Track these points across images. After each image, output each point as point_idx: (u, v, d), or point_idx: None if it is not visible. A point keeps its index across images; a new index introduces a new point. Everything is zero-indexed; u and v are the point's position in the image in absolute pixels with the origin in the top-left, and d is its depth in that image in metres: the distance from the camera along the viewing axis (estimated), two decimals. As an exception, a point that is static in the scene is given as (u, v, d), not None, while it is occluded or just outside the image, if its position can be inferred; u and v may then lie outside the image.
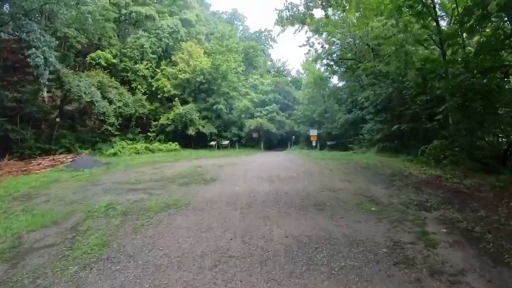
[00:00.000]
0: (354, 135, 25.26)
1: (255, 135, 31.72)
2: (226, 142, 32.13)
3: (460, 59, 11.91)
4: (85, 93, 24.55)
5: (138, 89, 31.62)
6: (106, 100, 26.97)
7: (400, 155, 17.01)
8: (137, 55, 32.16)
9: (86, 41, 29.55)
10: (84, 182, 11.82)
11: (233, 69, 34.87)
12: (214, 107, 31.48)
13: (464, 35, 12.45)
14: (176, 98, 31.74)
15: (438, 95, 15.88)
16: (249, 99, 33.15)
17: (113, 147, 26.80)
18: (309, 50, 26.03)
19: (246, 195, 7.94)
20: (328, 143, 28.96)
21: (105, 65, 29.33)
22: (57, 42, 22.26)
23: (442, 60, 13.37)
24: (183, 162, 18.37)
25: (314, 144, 29.11)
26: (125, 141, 28.87)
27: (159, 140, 31.62)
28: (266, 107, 33.09)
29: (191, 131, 30.67)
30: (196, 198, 7.82)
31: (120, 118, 27.75)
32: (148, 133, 31.97)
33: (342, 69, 29.65)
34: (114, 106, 27.42)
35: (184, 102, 33.21)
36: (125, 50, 32.12)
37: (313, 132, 28.97)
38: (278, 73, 50.20)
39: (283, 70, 51.87)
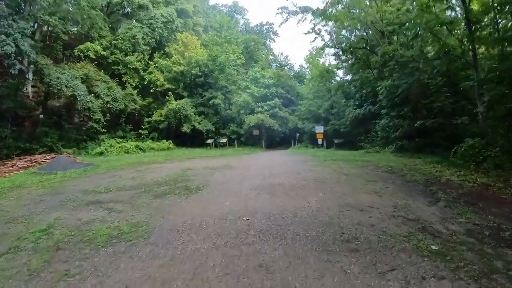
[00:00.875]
0: (364, 132, 22.96)
1: (255, 132, 29.41)
2: (224, 140, 29.85)
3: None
4: (66, 86, 22.44)
5: (129, 83, 29.27)
6: (92, 94, 25.00)
7: (422, 156, 14.79)
8: (129, 47, 30.00)
9: (75, 32, 27.32)
10: (47, 189, 9.80)
11: (232, 61, 32.47)
12: (211, 102, 29.20)
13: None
14: (170, 93, 29.43)
15: (467, 85, 13.59)
16: (249, 93, 30.83)
17: (100, 146, 24.60)
18: (315, 38, 23.46)
19: (237, 218, 5.67)
20: (336, 141, 26.64)
21: (94, 57, 27.48)
22: (31, 30, 20.02)
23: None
24: (173, 163, 16.41)
25: (320, 142, 26.80)
26: (115, 139, 26.94)
27: (152, 138, 29.68)
28: (268, 102, 30.76)
29: (185, 128, 28.46)
30: (164, 223, 5.52)
31: (108, 115, 25.82)
32: (140, 131, 29.95)
33: (349, 61, 27.20)
34: (101, 101, 25.40)
35: (179, 96, 30.98)
36: (116, 42, 29.88)
37: (319, 129, 26.65)
38: (280, 67, 47.76)
39: (285, 64, 49.40)
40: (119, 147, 24.65)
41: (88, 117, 25.38)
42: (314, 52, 64.97)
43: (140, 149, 25.36)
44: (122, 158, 20.13)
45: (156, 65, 31.45)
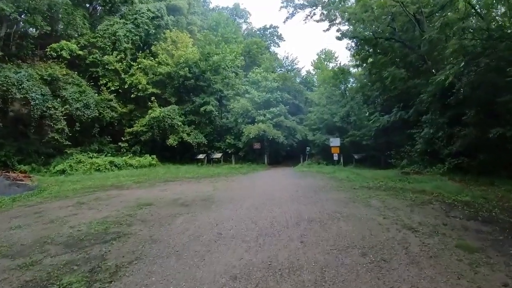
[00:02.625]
0: (395, 145, 18.32)
1: (256, 145, 24.94)
2: (218, 155, 25.52)
3: None
4: (17, 87, 18.36)
5: (105, 87, 25.48)
6: (59, 99, 21.38)
7: (497, 181, 10.25)
8: (108, 45, 26.22)
9: (49, 28, 23.60)
10: None
11: (229, 61, 28.19)
12: (203, 109, 24.88)
13: None
14: (153, 98, 25.19)
15: None
16: (248, 98, 26.41)
17: (63, 163, 20.50)
18: (329, 26, 19.05)
19: None
20: (356, 156, 22.14)
21: (69, 57, 23.63)
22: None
23: None
24: (139, 189, 12.61)
25: (336, 157, 22.19)
26: (88, 154, 22.86)
27: (134, 152, 25.67)
28: (271, 109, 26.34)
29: (171, 141, 24.25)
30: None
31: (78, 124, 22.17)
32: (120, 143, 25.83)
33: (371, 58, 22.77)
34: (69, 108, 21.57)
35: (166, 103, 26.72)
36: (95, 40, 25.97)
37: (335, 142, 22.17)
38: (286, 72, 43.52)
39: (292, 69, 45.13)
40: (90, 163, 20.76)
41: (49, 127, 21.12)
42: (323, 56, 61.78)
43: (115, 165, 21.58)
44: (84, 179, 16.33)
45: (139, 66, 27.22)
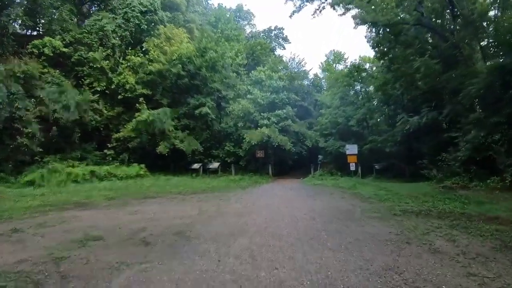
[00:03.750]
0: (428, 153, 15.37)
1: (259, 154, 22.06)
2: (215, 164, 22.62)
3: None
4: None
5: (90, 86, 22.99)
6: (33, 99, 19.24)
7: None
8: (95, 41, 23.72)
9: (31, 23, 21.57)
10: None
11: (229, 58, 25.49)
12: (198, 111, 22.05)
13: None
14: (141, 99, 22.59)
15: None
16: (250, 99, 23.55)
17: (33, 172, 17.93)
18: (345, 11, 16.27)
19: None
20: (376, 166, 19.15)
21: (52, 55, 21.61)
22: None
23: None
24: (107, 210, 10.31)
25: (353, 167, 19.26)
26: (68, 162, 20.21)
27: (122, 161, 22.92)
28: (277, 112, 23.51)
29: (162, 148, 21.55)
30: None
31: (55, 128, 20.04)
32: (106, 151, 23.16)
33: (391, 51, 19.92)
34: (45, 109, 19.35)
35: (158, 105, 24.04)
36: (81, 36, 23.56)
37: (352, 150, 19.31)
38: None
39: (298, 71, 42.26)
40: (67, 173, 18.21)
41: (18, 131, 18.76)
42: (331, 58, 59.04)
43: (97, 176, 19.20)
44: (51, 193, 14.00)
45: (129, 64, 24.63)
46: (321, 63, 59.35)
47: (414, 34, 17.11)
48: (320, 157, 21.03)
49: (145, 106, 22.97)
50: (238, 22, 57.57)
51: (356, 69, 23.31)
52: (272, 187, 16.12)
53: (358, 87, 23.82)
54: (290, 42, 60.03)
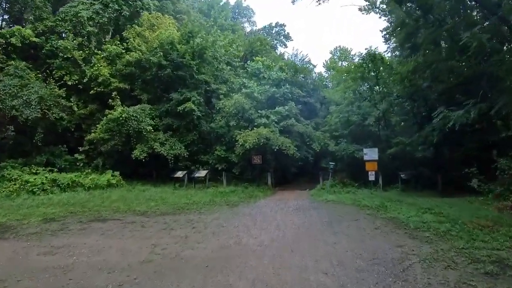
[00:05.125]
0: (476, 160, 11.77)
1: (256, 160, 18.32)
2: (202, 172, 18.94)
3: None
4: None
5: (58, 80, 19.96)
6: None
7: None
8: (69, 29, 20.71)
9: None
10: None
11: (221, 47, 21.87)
12: (181, 108, 18.48)
13: None
14: (114, 93, 19.13)
15: None
16: (245, 93, 19.81)
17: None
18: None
19: None
20: (403, 175, 15.43)
21: (20, 45, 19.42)
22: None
23: None
24: (24, 242, 7.66)
25: (372, 177, 15.58)
26: (28, 168, 17.50)
27: (96, 167, 19.80)
28: (278, 109, 19.71)
29: (138, 153, 18.06)
30: None
31: (11, 128, 17.52)
32: (76, 155, 20.03)
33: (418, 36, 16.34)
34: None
35: (137, 102, 20.62)
36: (53, 24, 20.72)
37: (371, 155, 15.74)
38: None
39: (303, 65, 38.75)
40: (24, 181, 15.79)
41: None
42: (337, 54, 55.39)
43: (59, 186, 16.41)
44: None
45: (104, 54, 21.23)
46: (325, 61, 55.66)
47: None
48: (331, 164, 17.14)
49: (119, 102, 19.50)
50: (237, 19, 54.44)
51: (372, 58, 19.68)
52: (270, 205, 12.34)
53: (373, 81, 20.15)
54: (292, 40, 56.69)
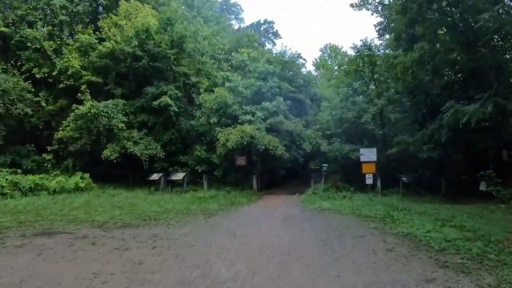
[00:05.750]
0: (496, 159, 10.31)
1: (240, 161, 16.51)
2: (179, 175, 17.07)
3: None
4: None
5: (25, 72, 18.22)
6: None
7: None
8: (40, 18, 18.98)
9: None
10: None
11: (202, 38, 20.02)
12: (156, 103, 16.62)
13: None
14: (84, 87, 17.31)
15: None
16: (229, 87, 17.95)
17: None
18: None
19: None
20: (404, 178, 13.87)
21: None
22: None
23: None
24: None
25: (370, 180, 13.95)
26: None
27: (66, 168, 18.03)
28: (264, 104, 17.84)
29: (108, 153, 16.34)
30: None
31: None
32: (44, 155, 18.37)
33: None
34: None
35: (111, 96, 18.86)
36: (24, 12, 18.85)
37: (369, 156, 14.08)
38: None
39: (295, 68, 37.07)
40: None
41: None
42: (327, 52, 54.01)
43: (20, 189, 14.88)
44: None
45: (75, 45, 19.33)
46: (314, 59, 54.17)
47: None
48: (325, 166, 15.38)
49: (89, 96, 17.44)
50: (224, 16, 52.57)
51: (368, 48, 18.13)
52: (254, 215, 10.53)
53: (369, 75, 18.60)
54: (281, 37, 55.09)
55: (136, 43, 17.99)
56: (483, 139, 11.83)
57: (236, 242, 7.00)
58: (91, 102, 16.82)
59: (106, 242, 7.17)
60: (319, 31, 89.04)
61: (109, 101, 17.78)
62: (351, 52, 20.25)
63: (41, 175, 16.26)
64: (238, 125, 15.86)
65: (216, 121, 16.81)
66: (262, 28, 54.39)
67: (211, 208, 11.79)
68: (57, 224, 8.99)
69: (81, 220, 9.58)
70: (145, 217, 10.05)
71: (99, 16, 22.14)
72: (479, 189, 12.06)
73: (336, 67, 22.74)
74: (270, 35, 54.35)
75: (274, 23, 53.60)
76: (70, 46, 19.48)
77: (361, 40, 19.05)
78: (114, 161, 16.78)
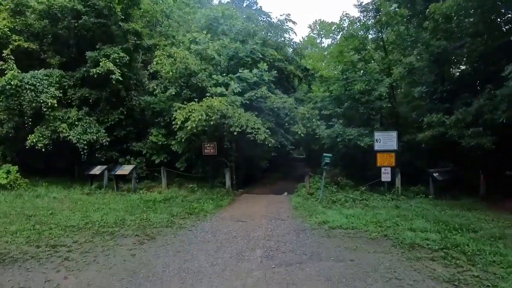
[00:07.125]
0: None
1: (209, 149, 12.32)
2: (126, 168, 12.89)
3: None
4: None
5: None
6: None
7: None
8: None
9: None
10: None
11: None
12: (95, 71, 12.27)
13: None
14: (7, 52, 12.99)
15: None
16: (195, 51, 13.48)
17: None
18: None
19: None
20: (436, 175, 10.14)
21: None
22: None
23: None
24: None
25: (387, 176, 10.15)
26: None
27: None
28: (242, 73, 13.37)
29: (33, 138, 12.37)
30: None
31: None
32: None
33: None
34: None
35: (48, 66, 14.32)
36: None
37: (387, 142, 10.28)
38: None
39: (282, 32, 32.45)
40: None
41: None
42: (316, 29, 49.67)
43: None
44: None
45: (9, 4, 15.13)
46: (302, 37, 49.64)
47: None
48: (327, 157, 11.02)
49: (14, 66, 12.81)
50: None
51: (376, 9, 14.13)
52: (220, 239, 6.32)
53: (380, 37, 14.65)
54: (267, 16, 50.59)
55: (77, -3, 13.47)
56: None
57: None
58: (13, 72, 12.36)
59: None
60: (308, 6, 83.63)
61: (39, 70, 13.30)
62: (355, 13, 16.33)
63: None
64: (205, 98, 11.54)
65: (174, 93, 12.36)
66: (244, 4, 50.02)
67: (155, 221, 7.63)
68: None
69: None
70: (42, 239, 6.30)
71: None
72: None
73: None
74: (253, 11, 50.07)
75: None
76: (2, 6, 15.04)
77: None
78: (43, 149, 12.63)
